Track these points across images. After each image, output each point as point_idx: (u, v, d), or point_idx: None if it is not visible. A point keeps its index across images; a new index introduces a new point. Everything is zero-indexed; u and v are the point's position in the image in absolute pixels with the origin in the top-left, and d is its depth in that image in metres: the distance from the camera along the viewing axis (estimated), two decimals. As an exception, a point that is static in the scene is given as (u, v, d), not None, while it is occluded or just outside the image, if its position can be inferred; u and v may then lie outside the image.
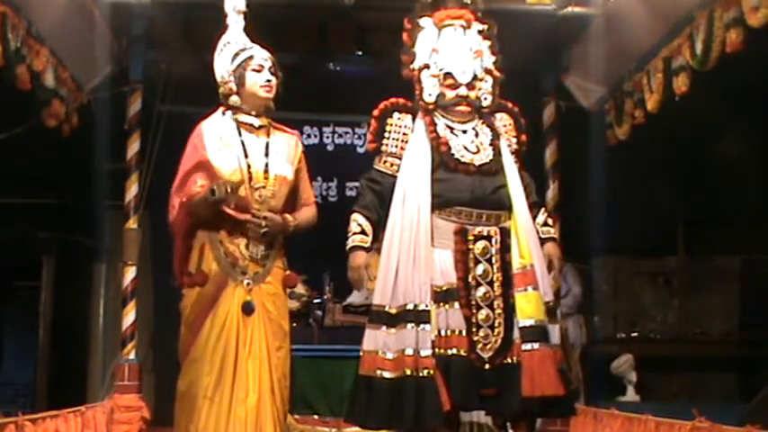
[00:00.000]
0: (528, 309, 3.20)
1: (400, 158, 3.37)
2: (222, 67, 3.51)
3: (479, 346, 3.13)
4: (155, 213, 5.93)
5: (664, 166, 7.04)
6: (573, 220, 6.10)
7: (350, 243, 3.31)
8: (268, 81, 3.48)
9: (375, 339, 3.19)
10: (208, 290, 3.37)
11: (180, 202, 3.41)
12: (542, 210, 3.52)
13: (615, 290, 8.02)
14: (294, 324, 4.18)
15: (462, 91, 3.36)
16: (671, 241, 8.09)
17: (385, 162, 3.40)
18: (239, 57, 3.48)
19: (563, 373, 3.20)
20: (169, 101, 6.55)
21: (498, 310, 3.18)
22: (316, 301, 5.99)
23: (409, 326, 3.13)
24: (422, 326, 3.12)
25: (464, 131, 3.38)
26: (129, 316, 5.87)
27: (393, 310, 3.18)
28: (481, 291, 3.19)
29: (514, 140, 3.51)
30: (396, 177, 3.34)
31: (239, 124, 3.50)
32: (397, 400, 3.08)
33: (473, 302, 3.17)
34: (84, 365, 7.30)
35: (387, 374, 3.12)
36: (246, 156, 3.44)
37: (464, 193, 3.25)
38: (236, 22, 3.56)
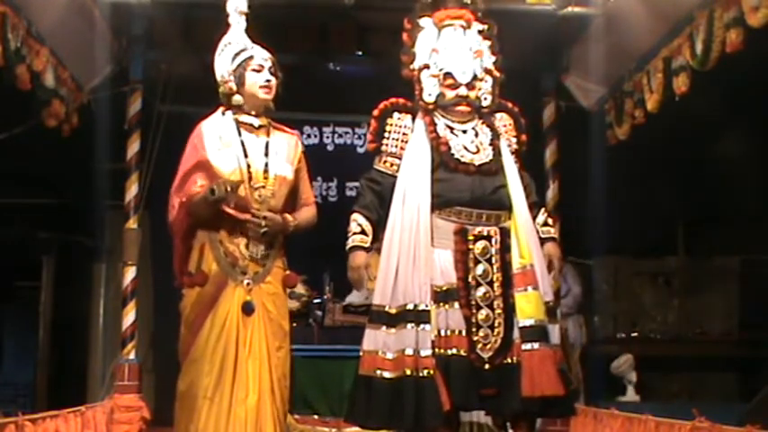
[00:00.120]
0: (528, 309, 3.20)
1: (400, 158, 3.36)
2: (222, 66, 3.52)
3: (479, 346, 3.13)
4: (155, 213, 5.93)
5: (664, 166, 7.04)
6: (573, 220, 6.10)
7: (350, 243, 3.31)
8: (268, 81, 3.48)
9: (375, 339, 3.19)
10: (208, 290, 3.38)
11: (179, 201, 3.41)
12: (542, 210, 3.52)
13: (615, 290, 8.01)
14: (294, 324, 4.18)
15: (462, 91, 3.36)
16: (671, 241, 8.08)
17: (385, 162, 3.40)
18: (240, 57, 3.49)
19: (563, 373, 3.20)
20: (169, 101, 6.55)
21: (498, 310, 3.18)
22: (316, 301, 5.99)
23: (409, 326, 3.13)
24: (422, 326, 3.12)
25: (464, 131, 3.38)
26: (129, 316, 5.87)
27: (393, 310, 3.18)
28: (481, 291, 3.19)
29: (514, 140, 3.51)
30: (396, 177, 3.34)
31: (239, 124, 3.50)
32: (397, 400, 3.08)
33: (473, 302, 3.17)
34: (84, 365, 7.30)
35: (387, 374, 3.12)
36: (246, 155, 3.44)
37: (464, 193, 3.25)
38: (237, 23, 3.56)
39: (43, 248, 8.17)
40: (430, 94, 3.39)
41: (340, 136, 7.50)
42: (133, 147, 6.01)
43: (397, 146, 3.39)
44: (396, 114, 3.42)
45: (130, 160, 6.00)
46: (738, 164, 6.47)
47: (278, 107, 3.59)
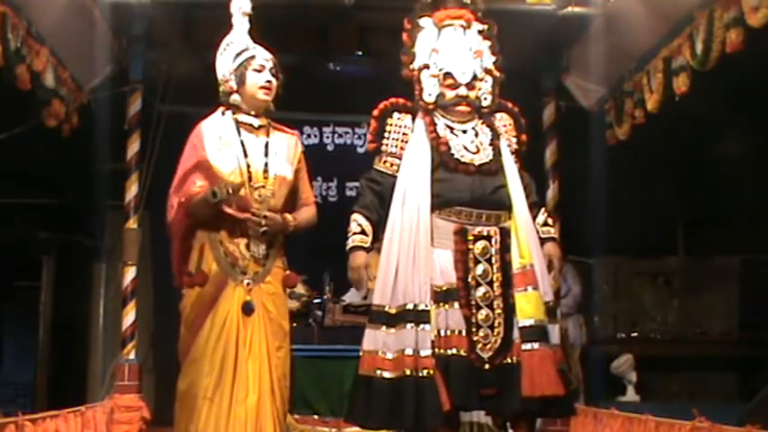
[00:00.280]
0: (528, 309, 3.20)
1: (400, 158, 3.36)
2: (224, 66, 3.52)
3: (479, 346, 3.13)
4: (155, 213, 5.93)
5: (664, 166, 7.04)
6: (573, 220, 6.10)
7: (350, 243, 3.31)
8: (268, 82, 3.48)
9: (375, 339, 3.19)
10: (207, 290, 3.38)
11: (179, 202, 3.41)
12: (542, 210, 3.52)
13: (615, 290, 8.02)
14: (294, 324, 4.18)
15: (462, 91, 3.36)
16: (671, 241, 8.09)
17: (385, 162, 3.40)
18: (241, 56, 3.49)
19: (563, 373, 3.20)
20: (169, 101, 6.56)
21: (498, 310, 3.18)
22: (316, 301, 5.99)
23: (409, 326, 3.12)
24: (421, 326, 3.12)
25: (464, 131, 3.38)
26: (129, 316, 5.87)
27: (393, 310, 3.18)
28: (481, 291, 3.19)
29: (514, 140, 3.51)
30: (396, 177, 3.34)
31: (239, 124, 3.50)
32: (397, 400, 3.08)
33: (473, 302, 3.17)
34: (84, 365, 7.30)
35: (386, 374, 3.12)
36: (246, 155, 3.44)
37: (464, 193, 3.25)
38: (240, 24, 3.56)
39: (43, 248, 8.16)
40: (430, 94, 3.39)
41: (340, 136, 7.50)
42: (133, 147, 6.01)
43: (397, 146, 3.39)
44: (396, 114, 3.42)
45: (130, 160, 6.00)
46: (738, 164, 6.47)
47: (278, 107, 3.59)
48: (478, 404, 3.25)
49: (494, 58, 3.46)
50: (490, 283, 3.20)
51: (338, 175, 7.35)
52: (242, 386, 3.29)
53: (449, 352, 3.11)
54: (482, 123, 3.42)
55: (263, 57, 3.51)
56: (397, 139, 3.40)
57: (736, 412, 4.81)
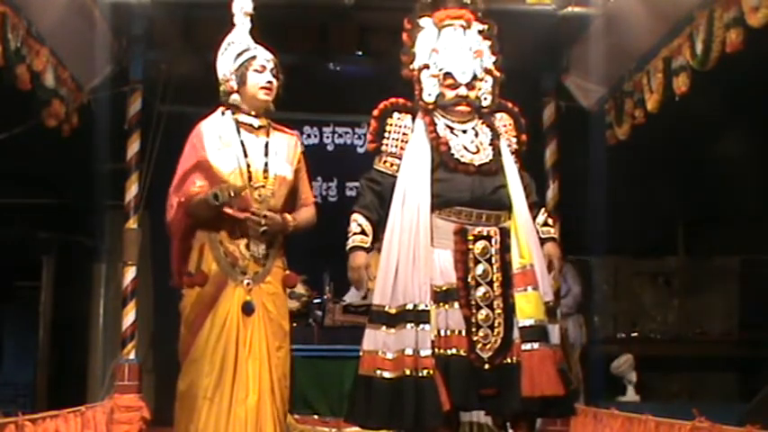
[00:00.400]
0: (528, 309, 3.20)
1: (400, 158, 3.36)
2: (225, 65, 3.52)
3: (479, 346, 3.13)
4: (155, 213, 5.92)
5: (664, 166, 7.04)
6: (573, 220, 6.10)
7: (350, 243, 3.30)
8: (269, 82, 3.49)
9: (375, 339, 3.19)
10: (207, 290, 3.38)
11: (178, 201, 3.41)
12: (542, 210, 3.51)
13: (615, 290, 8.03)
14: (294, 324, 4.18)
15: (462, 91, 3.35)
16: (671, 241, 8.09)
17: (385, 162, 3.40)
18: (242, 56, 3.49)
19: (563, 373, 3.20)
20: (169, 101, 6.56)
21: (498, 310, 3.18)
22: (316, 301, 5.99)
23: (409, 326, 3.12)
24: (421, 326, 3.12)
25: (464, 131, 3.37)
26: (129, 316, 5.87)
27: (393, 310, 3.18)
28: (481, 291, 3.19)
29: (514, 140, 3.51)
30: (396, 177, 3.33)
31: (239, 124, 3.50)
32: (397, 400, 3.08)
33: (473, 302, 3.17)
34: (84, 365, 7.30)
35: (386, 374, 3.12)
36: (246, 155, 3.44)
37: (464, 193, 3.25)
38: (242, 24, 3.56)
39: (43, 248, 8.17)
40: (430, 94, 3.39)
41: (340, 136, 7.50)
42: (133, 147, 6.01)
43: (397, 146, 3.39)
44: (396, 114, 3.42)
45: (130, 160, 6.00)
46: (738, 164, 6.47)
47: (278, 107, 3.59)
48: (478, 404, 3.25)
49: (494, 58, 3.46)
50: (490, 283, 3.20)
51: (338, 175, 7.35)
52: (242, 386, 3.29)
53: (449, 352, 3.11)
54: (482, 123, 3.42)
55: (265, 57, 3.51)
56: (397, 139, 3.39)
57: (736, 412, 4.81)
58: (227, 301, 3.35)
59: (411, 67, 3.43)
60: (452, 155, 3.29)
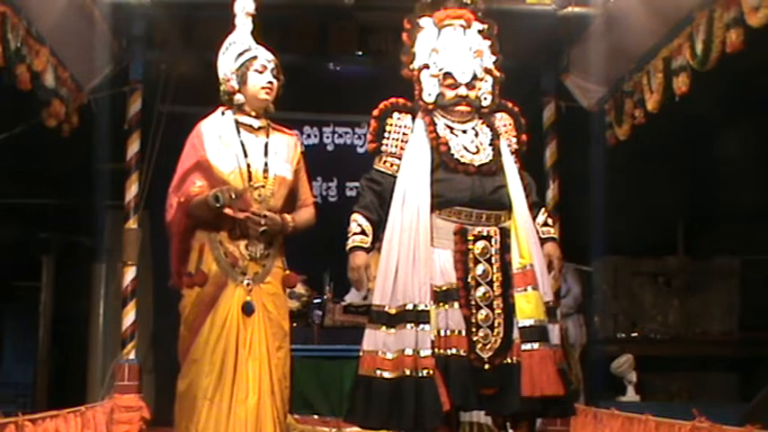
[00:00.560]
0: (528, 309, 3.20)
1: (400, 158, 3.36)
2: (225, 65, 3.52)
3: (479, 346, 3.13)
4: (155, 213, 5.93)
5: (664, 166, 7.03)
6: (573, 220, 6.10)
7: (350, 243, 3.30)
8: (270, 83, 3.49)
9: (375, 339, 3.19)
10: (207, 290, 3.38)
11: (178, 201, 3.42)
12: (542, 210, 3.51)
13: (615, 290, 8.01)
14: (294, 324, 4.18)
15: (462, 91, 3.35)
16: (671, 241, 8.08)
17: (385, 162, 3.40)
18: (243, 56, 3.50)
19: (563, 372, 3.20)
20: (169, 101, 6.56)
21: (498, 310, 3.18)
22: (316, 300, 5.99)
23: (409, 326, 3.13)
24: (421, 326, 3.12)
25: (464, 131, 3.38)
26: (129, 316, 5.87)
27: (393, 311, 3.18)
28: (481, 291, 3.19)
29: (514, 140, 3.51)
30: (396, 177, 3.34)
31: (238, 124, 3.50)
32: (397, 401, 3.08)
33: (473, 302, 3.17)
34: (84, 365, 7.29)
35: (386, 374, 3.12)
36: (246, 155, 3.44)
37: (464, 193, 3.25)
38: (243, 24, 3.56)
39: (43, 248, 8.17)
40: (430, 94, 3.39)
41: (340, 136, 7.49)
42: (133, 147, 6.01)
43: (396, 146, 3.39)
44: (396, 114, 3.42)
45: (130, 160, 6.01)
46: (738, 164, 6.46)
47: (278, 107, 3.60)
48: (478, 404, 3.24)
49: (494, 58, 3.46)
50: (490, 284, 3.20)
51: (338, 175, 7.34)
52: (242, 386, 3.29)
53: (448, 352, 3.11)
54: (482, 123, 3.42)
55: (265, 57, 3.52)
56: (397, 140, 3.39)
57: (736, 412, 4.81)
58: (226, 301, 3.35)
59: (411, 67, 3.44)
60: (452, 155, 3.29)
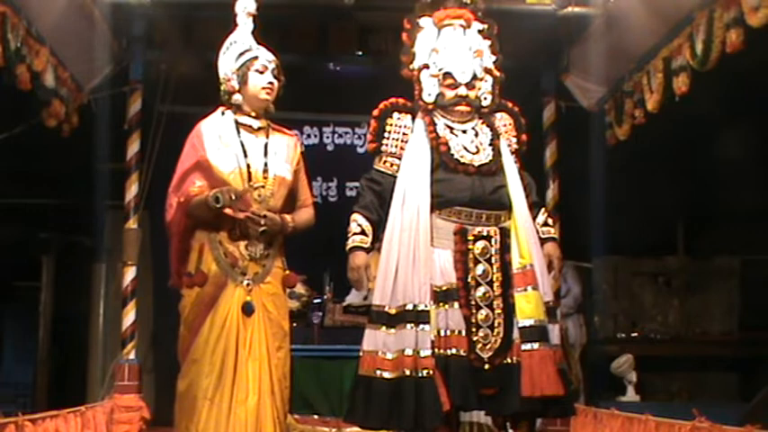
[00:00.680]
0: (528, 309, 3.20)
1: (400, 158, 3.36)
2: (226, 65, 3.52)
3: (479, 346, 3.13)
4: (155, 213, 5.93)
5: (664, 166, 7.04)
6: (573, 220, 6.10)
7: (350, 243, 3.30)
8: (270, 83, 3.49)
9: (375, 339, 3.19)
10: (207, 290, 3.38)
11: (177, 201, 3.41)
12: (542, 210, 3.51)
13: (615, 290, 8.01)
14: (294, 324, 4.18)
15: (462, 91, 3.35)
16: (671, 241, 8.08)
17: (385, 162, 3.39)
18: (244, 56, 3.50)
19: (563, 372, 3.20)
20: (169, 101, 6.57)
21: (498, 310, 3.18)
22: (316, 300, 5.99)
23: (409, 326, 3.12)
24: (421, 326, 3.12)
25: (464, 131, 3.37)
26: (129, 316, 5.87)
27: (392, 311, 3.17)
28: (481, 291, 3.19)
29: (514, 140, 3.51)
30: (396, 177, 3.33)
31: (238, 125, 3.50)
32: (397, 401, 3.08)
33: (472, 302, 3.17)
34: (84, 365, 7.29)
35: (386, 375, 3.12)
36: (246, 155, 3.44)
37: (464, 193, 3.25)
38: (244, 24, 3.56)
39: (43, 248, 8.17)
40: (429, 94, 3.39)
41: (340, 136, 7.49)
42: (133, 147, 6.02)
43: (396, 146, 3.39)
44: (395, 114, 3.42)
45: (130, 160, 6.01)
46: (738, 164, 6.47)
47: (278, 107, 3.60)
48: (478, 404, 3.24)
49: (494, 58, 3.46)
50: (490, 283, 3.20)
51: (338, 175, 7.34)
52: (242, 387, 3.29)
53: (448, 352, 3.11)
54: (482, 123, 3.42)
55: (266, 58, 3.52)
56: (397, 140, 3.39)
57: (736, 412, 4.81)
58: (226, 301, 3.35)
59: (411, 67, 3.44)
60: (452, 155, 3.29)
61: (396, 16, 3.57)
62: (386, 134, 3.40)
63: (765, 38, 4.07)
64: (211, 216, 3.35)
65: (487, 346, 3.14)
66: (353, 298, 5.90)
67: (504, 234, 3.26)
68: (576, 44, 6.03)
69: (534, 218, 3.40)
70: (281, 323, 3.45)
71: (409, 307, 3.15)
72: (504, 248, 3.24)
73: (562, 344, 3.30)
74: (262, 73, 3.48)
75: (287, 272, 3.53)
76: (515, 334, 3.17)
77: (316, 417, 5.55)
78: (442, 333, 3.13)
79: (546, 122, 6.34)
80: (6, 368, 9.93)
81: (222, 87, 3.54)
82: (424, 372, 3.07)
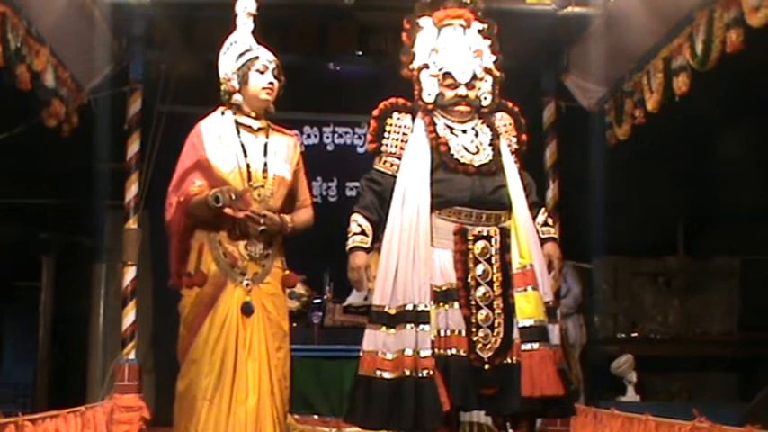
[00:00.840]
0: (528, 309, 3.19)
1: (400, 159, 3.36)
2: (226, 65, 3.52)
3: (479, 346, 3.13)
4: (155, 213, 5.92)
5: (664, 166, 7.04)
6: (573, 220, 6.10)
7: (350, 244, 3.30)
8: (270, 84, 3.49)
9: (375, 340, 3.19)
10: (206, 290, 3.38)
11: (177, 201, 3.41)
12: (542, 210, 3.51)
13: (615, 290, 8.02)
14: (294, 324, 4.18)
15: (461, 91, 3.35)
16: (671, 241, 8.08)
17: (385, 162, 3.39)
18: (244, 56, 3.50)
19: (563, 372, 3.19)
20: (169, 101, 6.57)
21: (498, 310, 3.18)
22: (316, 300, 5.99)
23: (408, 326, 3.12)
24: (421, 326, 3.11)
25: (464, 131, 3.37)
26: (129, 316, 5.88)
27: (392, 311, 3.17)
28: (481, 291, 3.19)
29: (514, 140, 3.51)
30: (396, 177, 3.33)
31: (238, 125, 3.50)
32: (397, 401, 3.08)
33: (472, 302, 3.17)
34: (84, 365, 7.30)
35: (386, 375, 3.12)
36: (245, 155, 3.44)
37: (464, 193, 3.25)
38: (244, 24, 3.57)
39: (43, 248, 8.17)
40: (429, 94, 3.39)
41: (340, 136, 7.49)
42: (133, 147, 6.02)
43: (396, 146, 3.38)
44: (395, 114, 3.41)
45: (130, 160, 6.01)
46: (738, 164, 6.47)
47: (278, 107, 3.60)
48: (478, 404, 3.24)
49: (494, 58, 3.46)
50: (490, 284, 3.20)
51: (338, 175, 7.35)
52: (241, 387, 3.29)
53: (448, 352, 3.11)
54: (482, 123, 3.42)
55: (267, 58, 3.52)
56: (397, 140, 3.39)
57: (736, 412, 4.81)
58: (226, 301, 3.35)
59: (411, 67, 3.43)
60: (452, 155, 3.29)
61: (396, 16, 3.57)
62: (386, 134, 3.40)
63: (765, 38, 4.07)
64: (211, 216, 3.35)
65: (487, 346, 3.14)
66: (355, 298, 5.89)
67: (504, 234, 3.26)
68: (576, 44, 6.03)
69: (534, 218, 3.40)
70: (280, 323, 3.45)
71: (409, 307, 3.14)
72: (504, 248, 3.24)
73: (562, 344, 3.30)
74: (262, 73, 3.48)
75: (286, 272, 3.53)
76: (515, 334, 3.17)
77: (316, 417, 5.56)
78: (442, 333, 3.13)
79: (546, 122, 6.34)
80: (6, 368, 9.93)
81: (222, 87, 3.54)
82: (424, 372, 3.07)
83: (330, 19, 6.21)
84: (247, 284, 3.38)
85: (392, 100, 3.44)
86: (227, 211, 3.33)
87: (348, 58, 6.56)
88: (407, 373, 3.08)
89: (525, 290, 3.22)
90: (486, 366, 3.12)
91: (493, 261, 3.22)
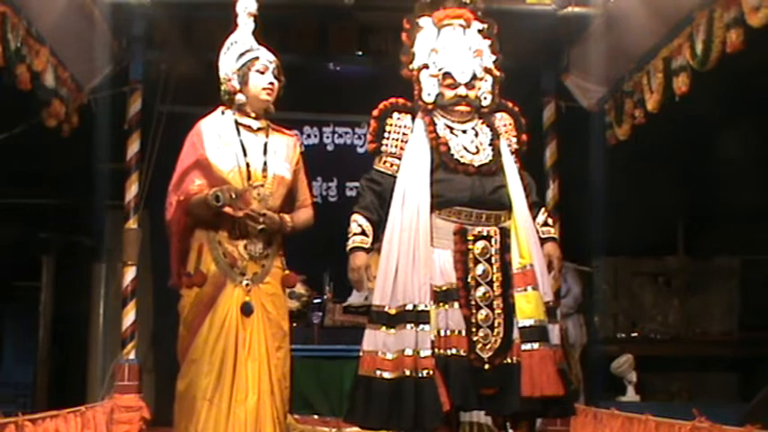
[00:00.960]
0: (528, 309, 3.19)
1: (400, 159, 3.36)
2: (227, 65, 3.53)
3: (479, 346, 3.13)
4: (155, 213, 5.93)
5: (664, 166, 7.04)
6: (573, 220, 6.10)
7: (350, 244, 3.30)
8: (271, 84, 3.49)
9: (375, 340, 3.19)
10: (206, 290, 3.38)
11: (177, 200, 3.42)
12: (542, 210, 3.51)
13: (615, 290, 8.02)
14: (294, 324, 4.18)
15: (461, 91, 3.35)
16: (671, 241, 8.08)
17: (385, 162, 3.39)
18: (245, 57, 3.50)
19: (563, 372, 3.20)
20: (169, 101, 6.57)
21: (498, 310, 3.18)
22: (316, 301, 5.99)
23: (409, 326, 3.12)
24: (421, 326, 3.11)
25: (464, 131, 3.37)
26: (129, 316, 5.87)
27: (392, 311, 3.17)
28: (481, 291, 3.19)
29: (514, 140, 3.51)
30: (396, 178, 3.33)
31: (238, 125, 3.50)
32: (397, 401, 3.08)
33: (472, 302, 3.17)
34: (84, 365, 7.30)
35: (386, 375, 3.12)
36: (245, 154, 3.44)
37: (464, 193, 3.25)
38: (245, 24, 3.57)
39: (43, 248, 8.17)
40: (429, 94, 3.39)
41: (340, 136, 7.49)
42: (133, 147, 6.02)
43: (396, 146, 3.38)
44: (395, 114, 3.41)
45: (130, 160, 6.01)
46: (738, 164, 6.47)
47: (278, 107, 3.60)
48: (478, 404, 3.24)
49: (494, 58, 3.46)
50: (490, 284, 3.20)
51: (338, 175, 7.35)
52: (241, 387, 3.29)
53: (448, 352, 3.11)
54: (482, 123, 3.42)
55: (267, 58, 3.52)
56: (397, 140, 3.39)
57: (736, 412, 4.81)
58: (225, 301, 3.35)
59: (410, 67, 3.43)
60: (452, 155, 3.29)
61: (396, 16, 3.57)
62: (386, 134, 3.40)
63: (765, 38, 4.07)
64: (211, 215, 3.35)
65: (487, 346, 3.14)
66: (355, 298, 5.90)
67: (504, 234, 3.26)
68: (576, 44, 6.03)
69: (534, 218, 3.40)
70: (280, 323, 3.45)
71: (409, 307, 3.14)
72: (504, 248, 3.24)
73: (562, 344, 3.30)
74: (262, 73, 3.49)
75: (286, 272, 3.53)
76: (515, 334, 3.17)
77: (316, 417, 5.56)
78: (442, 333, 3.13)
79: (546, 122, 6.34)
80: (6, 368, 9.93)
81: (223, 87, 3.54)
82: (424, 372, 3.07)
83: (330, 19, 6.21)
84: (247, 284, 3.38)
85: (392, 100, 3.44)
86: (227, 209, 3.33)
87: (348, 58, 6.56)
88: (407, 373, 3.08)
89: (525, 290, 3.22)
90: (486, 366, 3.12)
91: (493, 261, 3.22)
